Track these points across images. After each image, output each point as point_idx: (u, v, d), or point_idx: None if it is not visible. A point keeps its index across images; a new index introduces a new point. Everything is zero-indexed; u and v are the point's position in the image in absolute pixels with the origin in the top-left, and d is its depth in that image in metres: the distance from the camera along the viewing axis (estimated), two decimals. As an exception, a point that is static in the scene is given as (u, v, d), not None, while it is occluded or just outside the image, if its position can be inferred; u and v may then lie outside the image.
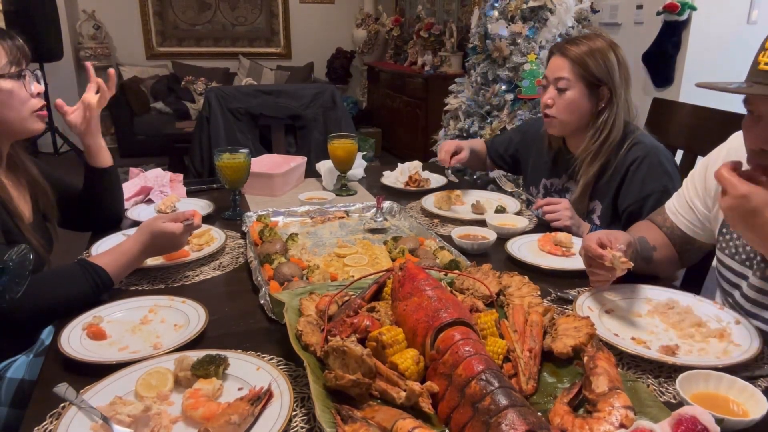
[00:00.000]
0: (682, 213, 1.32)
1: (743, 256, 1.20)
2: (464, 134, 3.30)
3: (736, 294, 1.22)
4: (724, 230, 1.24)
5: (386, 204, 1.71)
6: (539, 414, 0.73)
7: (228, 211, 1.72)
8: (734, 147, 1.24)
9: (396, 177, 2.06)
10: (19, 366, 1.26)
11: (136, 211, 1.68)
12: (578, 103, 1.64)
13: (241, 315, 1.14)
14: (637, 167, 1.60)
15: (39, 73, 1.33)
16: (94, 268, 1.16)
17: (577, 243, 1.46)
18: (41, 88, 1.32)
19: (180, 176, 1.94)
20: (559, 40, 3.08)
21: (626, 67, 1.66)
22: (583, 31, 3.23)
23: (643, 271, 1.26)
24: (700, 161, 1.33)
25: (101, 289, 1.16)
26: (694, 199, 1.30)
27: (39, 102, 1.30)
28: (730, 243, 1.23)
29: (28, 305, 1.08)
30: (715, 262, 1.32)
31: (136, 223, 1.59)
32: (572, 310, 1.11)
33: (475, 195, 1.87)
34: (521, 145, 1.98)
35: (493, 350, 0.87)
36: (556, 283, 1.28)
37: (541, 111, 1.73)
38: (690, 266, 1.56)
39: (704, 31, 3.18)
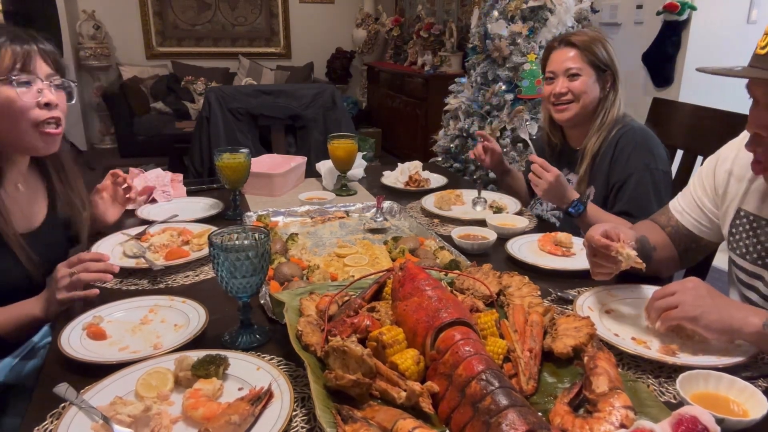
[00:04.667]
0: (688, 211, 1.31)
1: (754, 255, 1.19)
2: (464, 134, 3.30)
3: (754, 296, 1.20)
4: (734, 230, 1.23)
5: (386, 204, 1.71)
6: (539, 414, 0.73)
7: (228, 211, 1.72)
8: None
9: (396, 177, 2.06)
10: (2, 369, 1.22)
11: (145, 210, 1.70)
12: (591, 87, 1.69)
13: (241, 315, 1.14)
14: (622, 147, 1.65)
15: (68, 83, 1.21)
16: None
17: (577, 243, 1.47)
18: (52, 98, 1.18)
19: (180, 176, 1.94)
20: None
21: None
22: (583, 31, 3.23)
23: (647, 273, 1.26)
24: (709, 159, 1.32)
25: None
26: (702, 197, 1.29)
27: (44, 114, 1.17)
28: (740, 243, 1.22)
29: None
30: (728, 263, 1.30)
31: (143, 222, 1.60)
32: (572, 310, 1.11)
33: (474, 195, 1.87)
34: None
35: (493, 350, 0.87)
36: (556, 283, 1.28)
37: (554, 102, 1.73)
38: (690, 266, 1.56)
39: (704, 31, 3.19)
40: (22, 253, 1.21)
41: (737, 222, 1.22)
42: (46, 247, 1.29)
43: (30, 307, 1.12)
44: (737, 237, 1.22)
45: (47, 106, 1.18)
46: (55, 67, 1.21)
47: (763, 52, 0.96)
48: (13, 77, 1.14)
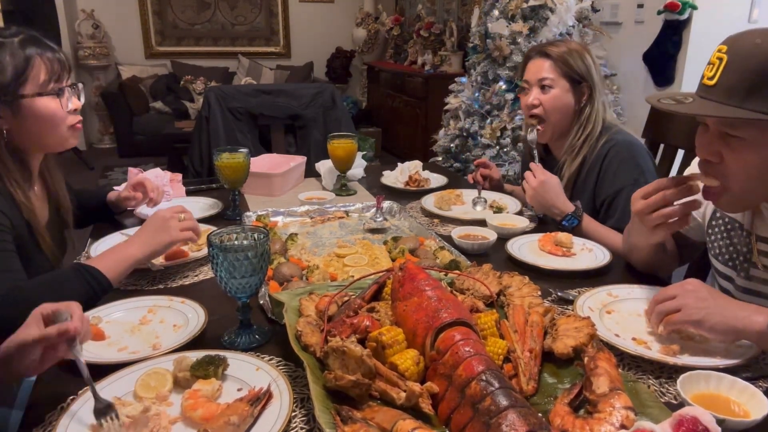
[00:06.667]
0: None
1: (726, 257, 1.20)
2: (464, 134, 3.30)
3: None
4: (710, 231, 1.24)
5: (386, 204, 1.71)
6: (540, 415, 0.73)
7: (227, 211, 1.72)
8: None
9: (396, 177, 2.06)
10: None
11: (144, 210, 1.69)
12: (563, 100, 1.69)
13: (240, 315, 1.14)
14: (609, 162, 1.64)
15: (81, 86, 1.30)
16: (88, 270, 1.13)
17: (577, 243, 1.46)
18: (79, 104, 1.29)
19: (179, 176, 1.94)
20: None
21: (599, 68, 1.73)
22: (584, 30, 3.23)
23: (654, 266, 1.28)
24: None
25: (98, 291, 1.14)
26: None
27: (75, 118, 1.28)
28: (715, 243, 1.23)
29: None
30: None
31: (142, 222, 1.59)
32: (573, 311, 1.11)
33: (474, 195, 1.87)
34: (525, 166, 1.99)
35: (493, 351, 0.87)
36: (556, 284, 1.27)
37: (526, 114, 1.76)
38: (690, 265, 1.56)
39: (705, 31, 3.18)
40: (49, 248, 1.27)
41: (713, 223, 1.23)
42: (54, 242, 1.34)
43: (128, 250, 1.20)
44: (713, 238, 1.24)
45: (75, 110, 1.29)
46: (69, 71, 1.28)
47: (711, 83, 0.97)
48: (53, 89, 1.21)
